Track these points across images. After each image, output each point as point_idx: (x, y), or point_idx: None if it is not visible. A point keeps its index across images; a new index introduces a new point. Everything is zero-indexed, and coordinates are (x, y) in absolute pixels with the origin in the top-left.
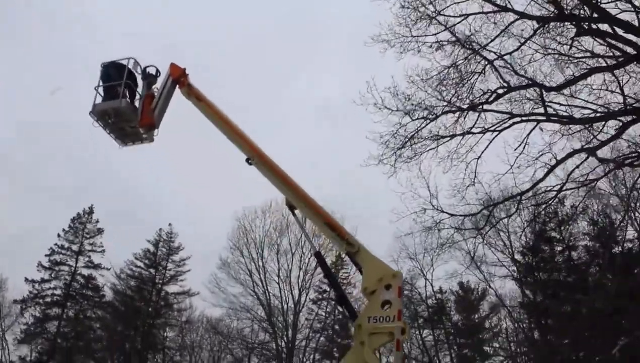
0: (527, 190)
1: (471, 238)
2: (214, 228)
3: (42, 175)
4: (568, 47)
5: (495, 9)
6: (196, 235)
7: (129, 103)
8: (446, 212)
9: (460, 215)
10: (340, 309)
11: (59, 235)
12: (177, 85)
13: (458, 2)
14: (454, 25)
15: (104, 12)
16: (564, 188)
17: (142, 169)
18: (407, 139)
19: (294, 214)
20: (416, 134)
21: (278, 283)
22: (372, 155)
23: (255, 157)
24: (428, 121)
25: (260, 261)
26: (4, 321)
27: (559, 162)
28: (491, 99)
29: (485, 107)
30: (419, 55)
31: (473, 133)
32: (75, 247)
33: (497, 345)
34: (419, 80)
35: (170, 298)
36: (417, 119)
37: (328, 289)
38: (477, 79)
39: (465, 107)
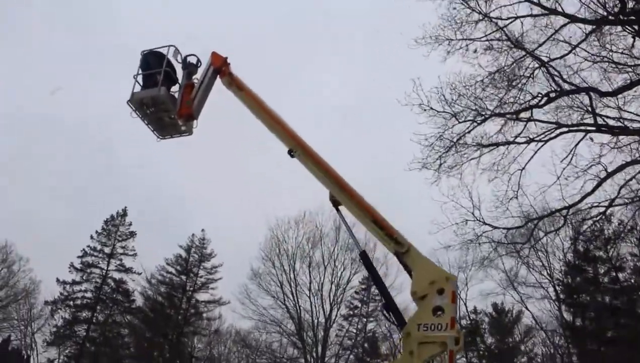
0: (576, 203)
1: (512, 254)
2: (245, 236)
3: (71, 176)
4: (620, 54)
5: (545, 12)
6: (227, 243)
7: (168, 92)
8: (489, 225)
9: (504, 228)
10: (386, 316)
11: (91, 237)
12: (218, 75)
13: (507, 5)
14: (505, 26)
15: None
16: (614, 203)
17: (174, 173)
18: (453, 143)
19: (338, 211)
20: (461, 139)
21: (309, 297)
22: (415, 158)
23: (298, 148)
24: (476, 124)
25: (292, 273)
26: (35, 322)
27: (610, 174)
28: (542, 102)
29: (533, 112)
30: (462, 61)
31: (518, 143)
32: (107, 250)
33: None
34: (462, 87)
35: (201, 306)
36: (465, 121)
37: (359, 305)
38: (525, 83)
39: (513, 110)
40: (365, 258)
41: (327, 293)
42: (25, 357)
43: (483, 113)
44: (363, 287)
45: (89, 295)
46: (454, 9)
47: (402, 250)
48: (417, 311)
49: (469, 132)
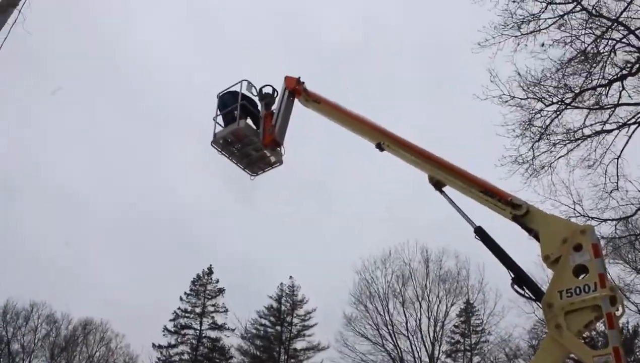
0: None
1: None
2: (331, 283)
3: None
4: None
5: None
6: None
7: (248, 124)
8: (595, 219)
9: (612, 220)
10: (520, 292)
11: (181, 299)
12: (295, 96)
13: None
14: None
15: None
16: None
17: (244, 231)
18: (543, 130)
19: (442, 192)
20: (549, 128)
21: (407, 337)
22: (505, 154)
23: (386, 139)
24: (564, 106)
25: (387, 315)
26: None
27: None
28: (634, 70)
29: (621, 95)
30: (531, 57)
31: (607, 131)
32: (198, 309)
33: None
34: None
35: (300, 355)
36: (552, 104)
37: (461, 340)
38: (605, 62)
39: (605, 82)
40: (482, 234)
41: (426, 330)
42: None
43: (574, 90)
44: (462, 319)
45: (186, 357)
46: (514, 1)
47: (521, 212)
48: (554, 276)
49: (557, 116)
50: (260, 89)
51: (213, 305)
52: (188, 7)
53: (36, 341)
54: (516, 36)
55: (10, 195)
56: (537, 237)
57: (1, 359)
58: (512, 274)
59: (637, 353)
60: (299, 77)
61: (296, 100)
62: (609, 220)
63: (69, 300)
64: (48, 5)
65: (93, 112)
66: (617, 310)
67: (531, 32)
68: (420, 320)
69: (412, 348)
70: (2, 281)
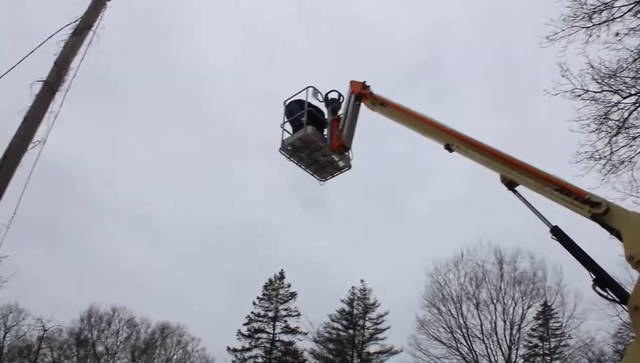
0: None
1: None
2: (403, 287)
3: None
4: None
5: None
6: (386, 296)
7: (315, 130)
8: None
9: None
10: (602, 294)
11: (254, 303)
12: (361, 100)
13: None
14: None
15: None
16: None
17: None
18: (621, 123)
19: (514, 192)
20: (628, 120)
21: (483, 340)
22: (580, 150)
23: (455, 140)
24: None
25: (460, 317)
26: None
27: None
28: None
29: None
30: (605, 48)
31: None
32: (271, 314)
33: None
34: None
35: (373, 358)
36: (630, 95)
37: (540, 343)
38: None
39: None
40: (559, 233)
41: (502, 333)
42: None
43: None
44: (539, 322)
45: (260, 360)
46: None
47: (600, 210)
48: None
49: (636, 108)
50: (326, 95)
51: (285, 309)
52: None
53: (118, 343)
54: (587, 27)
55: (98, 214)
56: (619, 236)
57: (88, 360)
58: (593, 275)
59: None
60: (364, 81)
61: (362, 105)
62: None
63: (148, 306)
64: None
65: (167, 135)
66: None
67: (604, 22)
68: (495, 323)
69: (487, 352)
70: (86, 288)
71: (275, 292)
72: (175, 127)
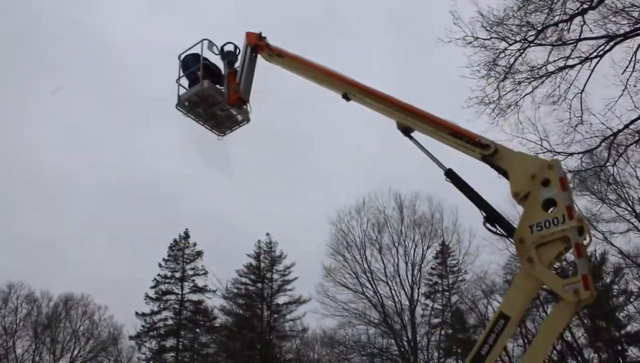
0: None
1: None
2: (308, 236)
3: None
4: None
5: None
6: (291, 247)
7: (212, 84)
8: (562, 153)
9: (578, 153)
10: (492, 229)
11: (160, 265)
12: (257, 52)
13: None
14: None
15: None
16: None
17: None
18: (508, 69)
19: (410, 137)
20: (514, 66)
21: (387, 283)
22: (471, 95)
23: (352, 88)
24: (527, 44)
25: (365, 263)
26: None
27: None
28: (594, 2)
29: (582, 29)
30: None
31: (571, 66)
32: (178, 274)
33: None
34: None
35: (283, 309)
36: (515, 42)
37: (439, 280)
38: None
39: (567, 17)
40: (453, 176)
41: (404, 274)
42: None
43: (536, 27)
44: (438, 261)
45: (170, 322)
46: None
47: (489, 152)
48: (524, 212)
49: (521, 55)
50: (222, 48)
51: (192, 269)
52: None
53: (18, 322)
54: None
55: None
56: (506, 175)
57: None
58: (483, 213)
59: (605, 279)
60: (260, 32)
61: (259, 57)
62: (575, 153)
63: (47, 278)
64: None
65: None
66: (585, 239)
67: None
68: (398, 265)
69: (391, 293)
70: None
71: (181, 252)
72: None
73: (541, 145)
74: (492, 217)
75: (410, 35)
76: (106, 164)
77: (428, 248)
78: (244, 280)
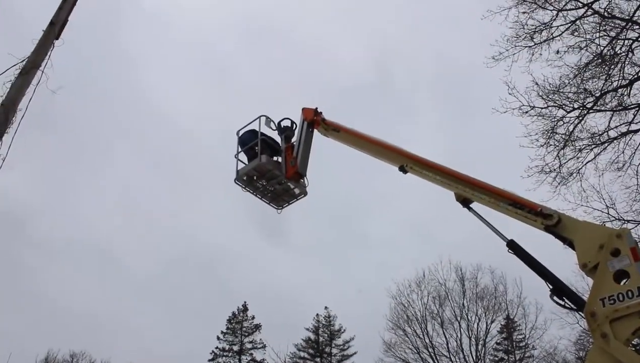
0: None
1: None
2: (364, 308)
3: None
4: None
5: None
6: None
7: (270, 158)
8: (631, 221)
9: None
10: (560, 303)
11: (218, 338)
12: (313, 127)
13: None
14: (590, 4)
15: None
16: None
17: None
18: (567, 136)
19: (469, 209)
20: (573, 134)
21: (449, 358)
22: (530, 165)
23: (409, 161)
24: (585, 111)
25: (426, 337)
26: None
27: None
28: None
29: None
30: (547, 66)
31: (634, 131)
32: (236, 347)
33: None
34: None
35: None
36: (574, 109)
37: (505, 357)
38: (624, 62)
39: (626, 82)
40: (515, 247)
41: (468, 350)
42: None
43: (594, 94)
44: (503, 336)
45: None
46: (524, 13)
47: (552, 222)
48: (594, 284)
49: (580, 122)
50: (279, 123)
51: (251, 342)
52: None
53: None
54: (530, 46)
55: (50, 256)
56: (572, 246)
57: None
58: (550, 285)
59: None
60: (316, 108)
61: (316, 131)
62: None
63: (106, 349)
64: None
65: (116, 165)
66: None
67: (544, 41)
68: (461, 340)
69: None
70: (42, 334)
71: (240, 324)
72: (130, 162)
73: (608, 213)
74: (560, 290)
75: (464, 105)
76: (163, 236)
77: (492, 322)
78: (302, 354)
